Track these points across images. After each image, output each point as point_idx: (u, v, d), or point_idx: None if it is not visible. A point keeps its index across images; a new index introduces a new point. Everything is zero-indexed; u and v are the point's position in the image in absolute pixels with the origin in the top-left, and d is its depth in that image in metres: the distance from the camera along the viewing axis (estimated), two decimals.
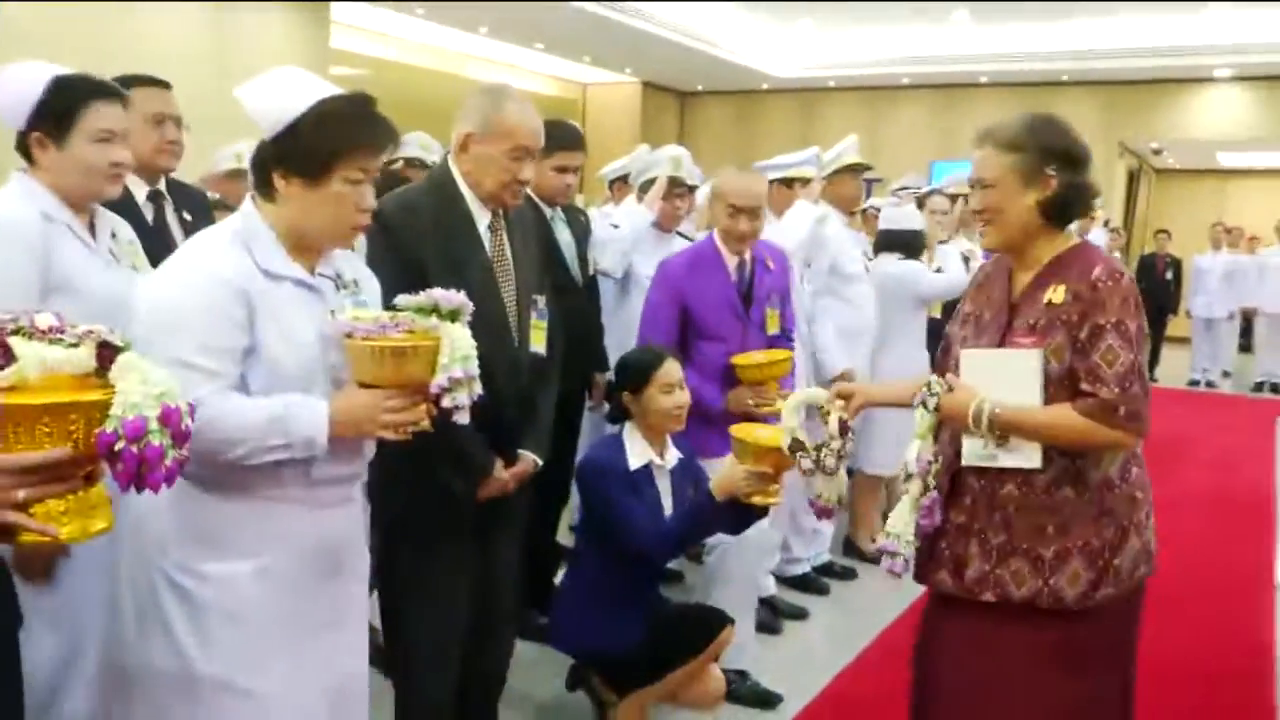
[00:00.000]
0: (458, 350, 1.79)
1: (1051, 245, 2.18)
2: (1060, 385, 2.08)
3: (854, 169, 4.51)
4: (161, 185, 3.04)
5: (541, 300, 2.57)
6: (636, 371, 2.97)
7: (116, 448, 1.27)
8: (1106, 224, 10.49)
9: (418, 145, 4.95)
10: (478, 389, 1.83)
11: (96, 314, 1.40)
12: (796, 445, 2.35)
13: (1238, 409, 10.29)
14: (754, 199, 3.40)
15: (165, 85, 3.04)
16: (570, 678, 3.26)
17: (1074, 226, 7.43)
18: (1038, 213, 2.14)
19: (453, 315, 1.82)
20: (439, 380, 1.78)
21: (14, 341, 1.24)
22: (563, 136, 3.41)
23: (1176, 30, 11.55)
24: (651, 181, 4.32)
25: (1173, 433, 8.67)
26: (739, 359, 3.33)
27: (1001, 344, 2.16)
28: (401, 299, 1.85)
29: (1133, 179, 15.94)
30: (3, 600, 1.49)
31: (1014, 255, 2.23)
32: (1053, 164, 2.13)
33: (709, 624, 3.03)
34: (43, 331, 1.27)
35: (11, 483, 1.23)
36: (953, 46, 12.70)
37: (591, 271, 3.87)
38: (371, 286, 2.02)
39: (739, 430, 2.79)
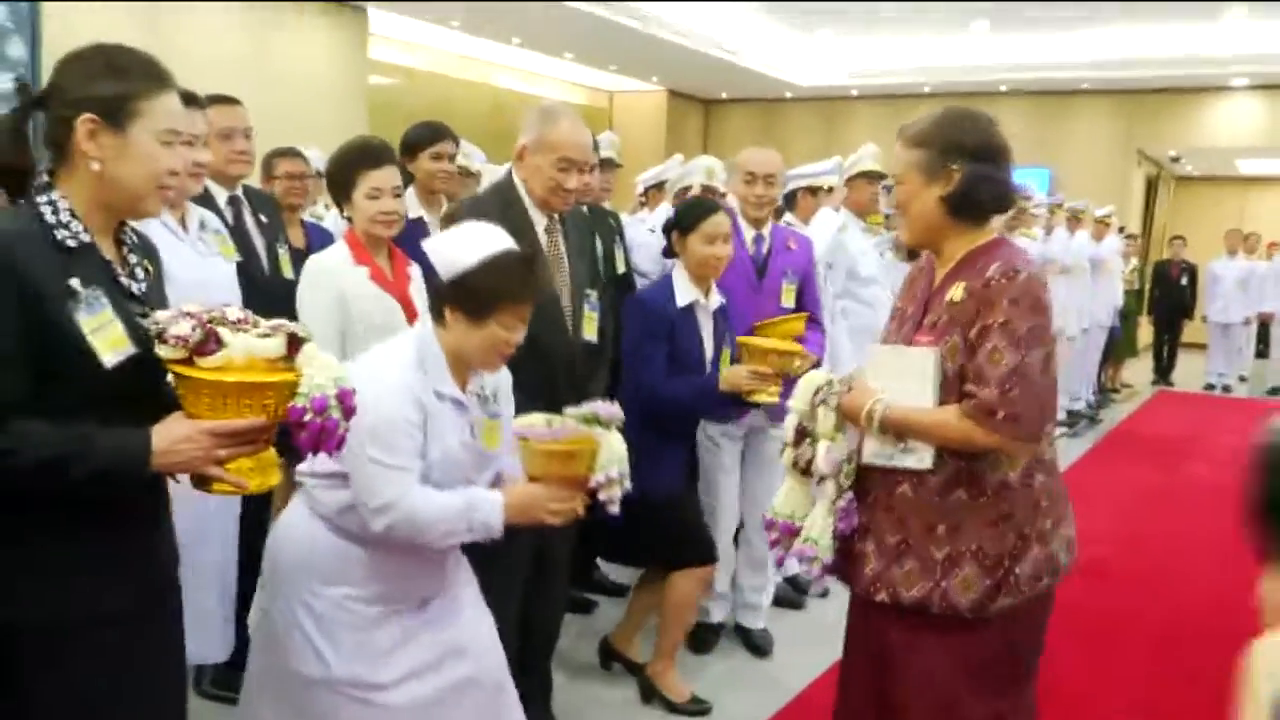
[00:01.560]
0: (614, 454, 2.13)
1: (964, 241, 2.13)
2: (952, 388, 2.05)
3: (870, 175, 4.78)
4: (239, 191, 3.38)
5: (594, 294, 2.87)
6: (688, 216, 3.29)
7: (305, 419, 1.58)
8: (1121, 230, 10.70)
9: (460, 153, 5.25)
10: (628, 485, 2.15)
11: (190, 299, 1.65)
12: (799, 434, 2.24)
13: (1251, 412, 10.42)
14: (768, 166, 3.69)
15: (235, 102, 3.38)
16: (602, 655, 3.57)
17: (1062, 232, 7.48)
18: (943, 207, 2.10)
19: (608, 424, 2.16)
20: (598, 478, 2.11)
21: (223, 331, 1.54)
22: None
23: (1193, 39, 11.73)
24: (687, 189, 4.62)
25: (1185, 434, 8.91)
26: (760, 323, 3.40)
27: (911, 340, 2.13)
28: (569, 410, 2.19)
29: (1151, 186, 16.09)
30: (169, 546, 1.82)
31: (934, 251, 2.20)
32: (957, 158, 2.08)
33: (701, 550, 3.34)
34: (234, 322, 1.58)
35: (216, 444, 1.55)
36: (972, 56, 12.91)
37: (622, 269, 4.17)
38: (506, 393, 2.33)
39: (744, 338, 3.15)
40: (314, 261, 2.94)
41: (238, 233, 3.27)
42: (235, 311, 1.60)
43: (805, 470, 2.21)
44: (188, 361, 1.53)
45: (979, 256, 2.09)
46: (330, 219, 4.70)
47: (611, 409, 2.19)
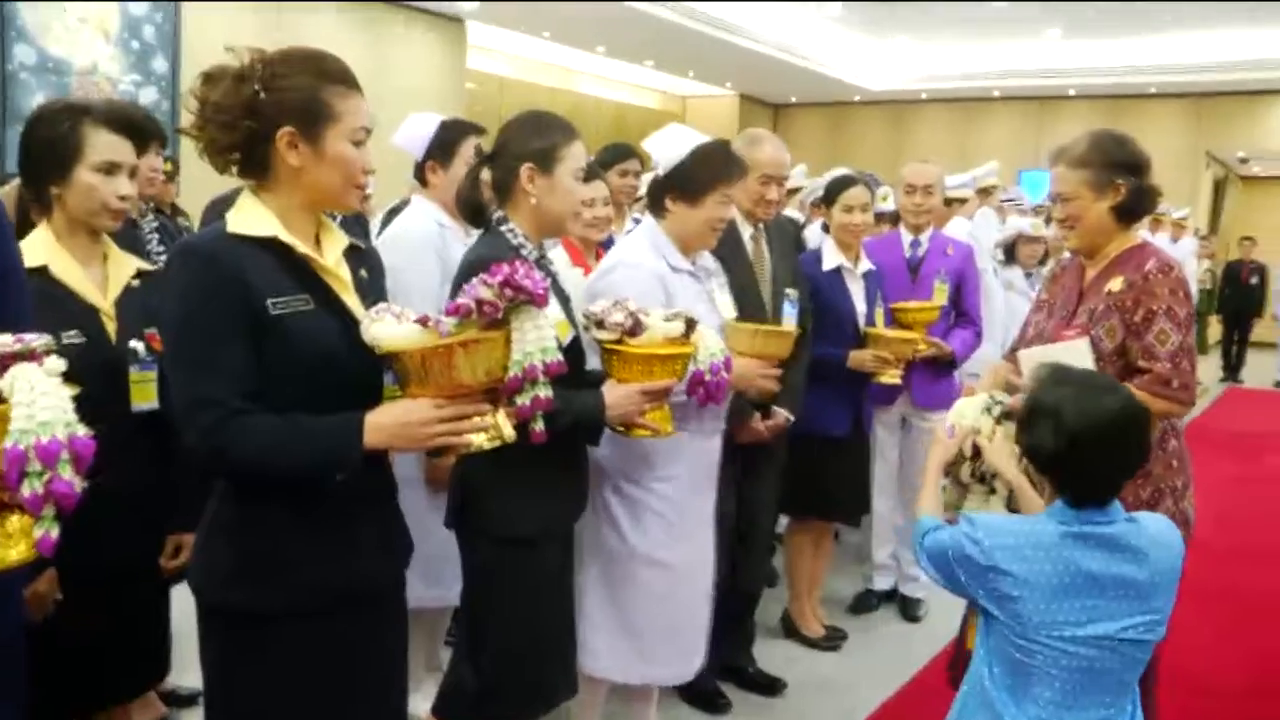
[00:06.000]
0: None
1: (1119, 243, 2.50)
2: (1109, 361, 2.39)
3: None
4: None
5: (794, 293, 3.32)
6: (830, 189, 3.77)
7: (705, 379, 2.13)
8: (1196, 232, 11.00)
9: None
10: None
11: None
12: (973, 453, 2.17)
13: None
14: (926, 177, 4.12)
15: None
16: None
17: (1144, 234, 7.81)
18: (1111, 216, 2.47)
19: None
20: None
21: (642, 318, 2.04)
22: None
23: (1260, 43, 12.01)
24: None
25: (1259, 429, 9.21)
26: (896, 305, 3.82)
27: (1068, 325, 2.47)
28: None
29: (1218, 188, 16.28)
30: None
31: (1090, 254, 2.54)
32: (1119, 173, 2.44)
33: (831, 506, 3.78)
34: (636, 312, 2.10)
35: (644, 400, 2.08)
36: (1043, 60, 13.24)
37: None
38: (718, 270, 2.86)
39: (869, 329, 3.64)
40: None
41: None
42: (633, 304, 2.11)
43: (981, 479, 2.21)
44: (618, 341, 2.04)
45: (1133, 255, 2.47)
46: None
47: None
